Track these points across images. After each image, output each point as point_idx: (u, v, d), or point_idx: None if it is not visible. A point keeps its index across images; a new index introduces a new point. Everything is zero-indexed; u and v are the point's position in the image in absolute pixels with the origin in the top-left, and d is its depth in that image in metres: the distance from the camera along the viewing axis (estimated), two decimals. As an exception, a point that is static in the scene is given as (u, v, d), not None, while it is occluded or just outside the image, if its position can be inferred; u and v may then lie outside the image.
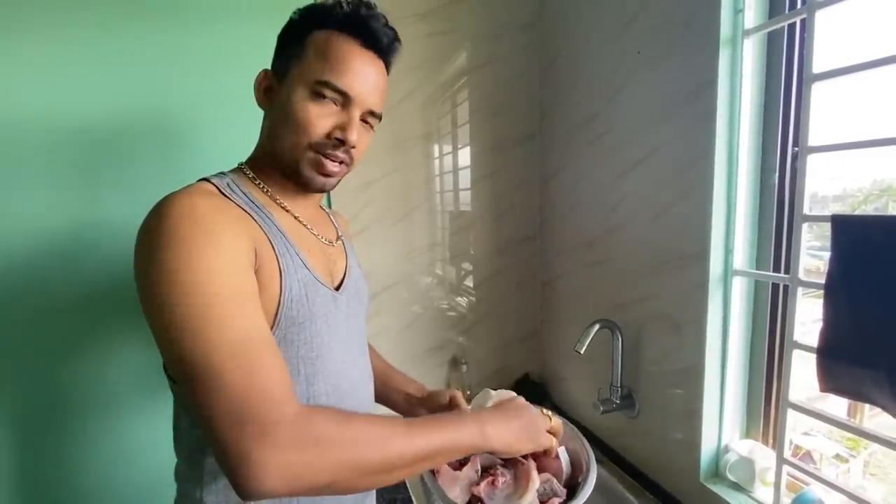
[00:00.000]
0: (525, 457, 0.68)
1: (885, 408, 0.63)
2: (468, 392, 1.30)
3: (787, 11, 0.76)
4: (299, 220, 0.65)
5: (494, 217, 1.37)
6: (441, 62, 1.27)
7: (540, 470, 0.67)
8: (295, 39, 0.60)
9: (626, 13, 0.99)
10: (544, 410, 0.68)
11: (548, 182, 1.35)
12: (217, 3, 1.03)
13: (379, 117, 0.64)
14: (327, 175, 0.61)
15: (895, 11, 0.68)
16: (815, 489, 0.75)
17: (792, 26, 0.76)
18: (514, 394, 0.69)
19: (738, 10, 0.77)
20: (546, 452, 0.66)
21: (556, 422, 0.68)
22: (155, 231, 0.49)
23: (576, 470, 0.70)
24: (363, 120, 0.62)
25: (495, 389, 0.73)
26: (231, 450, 0.43)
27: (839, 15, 0.68)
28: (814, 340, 0.69)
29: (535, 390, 1.41)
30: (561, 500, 0.64)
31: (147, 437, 1.04)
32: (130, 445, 1.03)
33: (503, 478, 0.66)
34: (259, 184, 0.63)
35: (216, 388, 0.44)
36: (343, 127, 0.59)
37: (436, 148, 1.31)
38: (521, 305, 1.44)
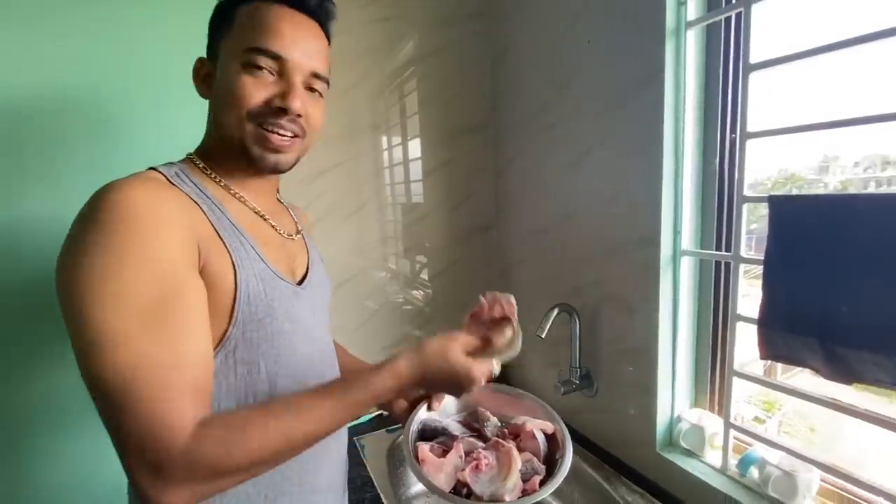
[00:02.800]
0: (505, 438, 0.71)
1: (817, 371, 0.69)
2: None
3: (723, 5, 0.80)
4: (257, 212, 0.62)
5: (449, 208, 1.37)
6: (389, 49, 1.23)
7: (520, 450, 0.68)
8: (221, 21, 0.58)
9: (576, 2, 1.00)
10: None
11: (502, 171, 1.36)
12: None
13: (326, 81, 0.60)
14: (276, 150, 0.57)
15: (824, 4, 0.75)
16: (758, 449, 0.81)
17: (728, 19, 0.81)
18: None
19: (681, 3, 0.81)
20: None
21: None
22: (83, 226, 0.46)
23: (552, 446, 0.72)
24: (309, 88, 0.58)
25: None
26: (133, 480, 0.44)
27: (775, 7, 0.73)
28: (754, 313, 0.75)
29: (497, 378, 1.42)
30: (541, 477, 0.65)
31: (97, 455, 0.95)
32: (79, 465, 0.94)
33: (486, 460, 0.67)
34: (211, 174, 0.59)
35: (114, 415, 0.43)
36: (283, 94, 0.55)
37: (387, 138, 1.28)
38: (480, 295, 1.44)
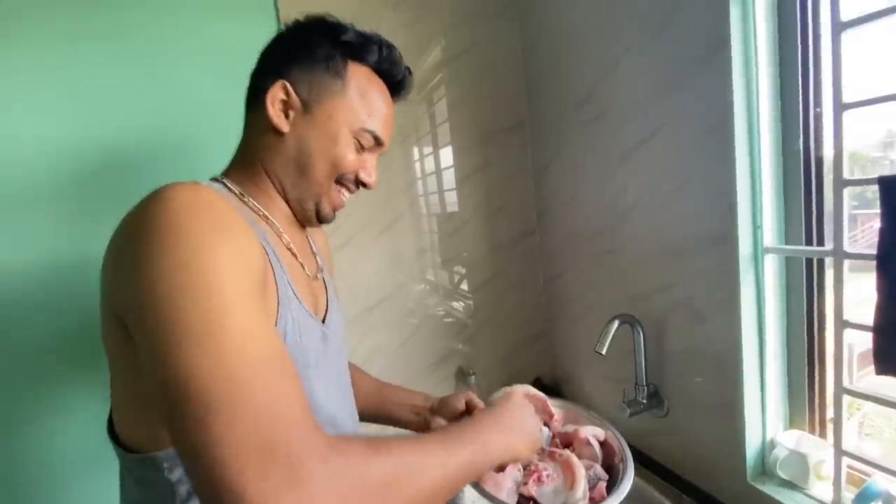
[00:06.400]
0: (559, 447, 0.69)
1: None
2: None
3: (797, -43, 0.69)
4: (289, 248, 0.58)
5: (487, 215, 1.28)
6: (417, 54, 1.18)
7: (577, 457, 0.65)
8: (328, 65, 0.56)
9: (614, -19, 0.91)
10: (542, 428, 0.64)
11: (542, 172, 1.26)
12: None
13: None
14: (337, 209, 0.62)
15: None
16: (880, 480, 0.68)
17: (804, -27, 0.70)
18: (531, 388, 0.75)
19: (744, -40, 0.70)
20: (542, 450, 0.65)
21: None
22: (153, 220, 0.38)
23: (607, 452, 0.68)
24: None
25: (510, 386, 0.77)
26: (249, 497, 0.32)
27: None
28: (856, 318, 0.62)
29: (549, 394, 1.32)
30: (605, 483, 0.62)
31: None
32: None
33: (546, 471, 0.63)
34: (248, 201, 0.55)
35: (232, 417, 0.33)
36: (369, 172, 0.62)
37: (418, 149, 1.22)
38: (525, 305, 1.35)
